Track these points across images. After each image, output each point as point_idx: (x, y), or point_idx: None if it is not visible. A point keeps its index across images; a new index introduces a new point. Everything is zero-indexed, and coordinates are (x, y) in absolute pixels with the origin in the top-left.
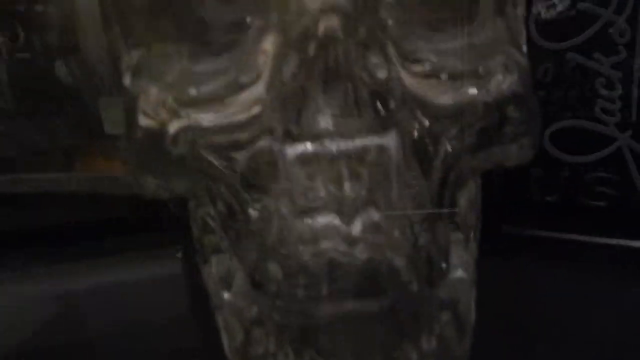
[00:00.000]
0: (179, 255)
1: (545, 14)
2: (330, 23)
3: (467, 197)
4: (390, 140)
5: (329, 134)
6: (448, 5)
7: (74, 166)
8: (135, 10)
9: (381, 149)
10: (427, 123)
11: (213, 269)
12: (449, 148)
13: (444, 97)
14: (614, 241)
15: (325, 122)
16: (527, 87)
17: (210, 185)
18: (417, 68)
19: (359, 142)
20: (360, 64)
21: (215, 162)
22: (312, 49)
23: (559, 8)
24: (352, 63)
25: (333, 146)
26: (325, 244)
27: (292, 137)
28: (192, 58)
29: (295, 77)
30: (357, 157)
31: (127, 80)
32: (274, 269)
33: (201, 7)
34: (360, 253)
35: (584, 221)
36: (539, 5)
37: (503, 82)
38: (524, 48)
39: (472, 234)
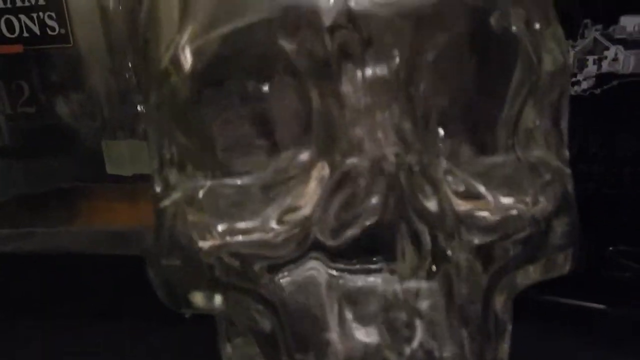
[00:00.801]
0: (188, 316)
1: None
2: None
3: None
4: (439, 278)
5: (379, 266)
6: (494, 128)
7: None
8: (169, 132)
9: (431, 284)
10: (475, 242)
11: (237, 352)
12: (496, 266)
13: (491, 216)
14: (636, 312)
15: (375, 257)
16: (570, 198)
17: (244, 302)
18: (466, 191)
19: (409, 281)
20: (411, 197)
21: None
22: (362, 182)
23: (584, 85)
24: (404, 197)
25: (382, 282)
26: None
27: (339, 270)
28: (225, 176)
29: (345, 208)
30: (405, 293)
31: (157, 189)
32: None
33: (237, 130)
34: None
35: (605, 291)
36: None
37: (550, 200)
38: (567, 156)
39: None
